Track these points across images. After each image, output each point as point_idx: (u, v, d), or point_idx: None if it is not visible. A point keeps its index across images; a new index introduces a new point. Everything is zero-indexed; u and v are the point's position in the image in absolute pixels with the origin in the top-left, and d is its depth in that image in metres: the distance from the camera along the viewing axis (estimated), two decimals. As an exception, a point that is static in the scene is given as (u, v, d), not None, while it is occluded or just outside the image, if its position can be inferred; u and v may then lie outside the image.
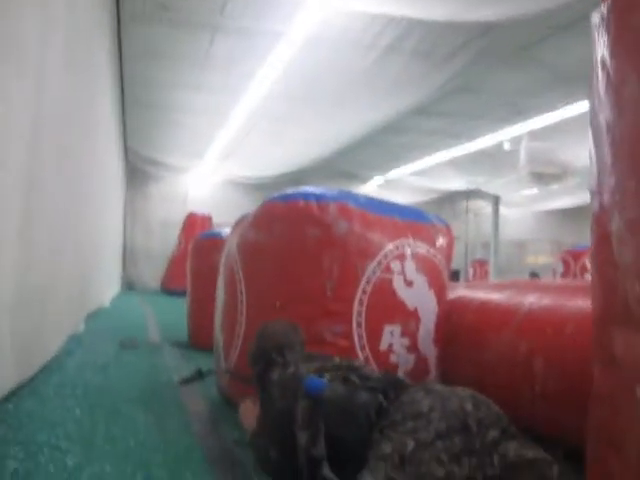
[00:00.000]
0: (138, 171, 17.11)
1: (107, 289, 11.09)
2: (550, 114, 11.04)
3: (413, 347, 3.12)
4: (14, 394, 3.32)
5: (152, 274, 17.08)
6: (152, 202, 17.88)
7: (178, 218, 16.91)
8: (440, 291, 3.32)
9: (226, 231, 5.91)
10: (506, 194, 17.71)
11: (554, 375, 2.64)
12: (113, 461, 2.39)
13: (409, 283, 3.11)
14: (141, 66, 10.13)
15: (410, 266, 3.13)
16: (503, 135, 12.47)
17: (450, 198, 19.75)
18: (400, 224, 3.21)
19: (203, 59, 9.58)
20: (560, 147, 12.34)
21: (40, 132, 3.54)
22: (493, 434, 1.94)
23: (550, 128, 11.63)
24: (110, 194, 11.34)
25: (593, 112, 1.23)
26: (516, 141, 12.41)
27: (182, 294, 7.63)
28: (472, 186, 16.83)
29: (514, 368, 2.85)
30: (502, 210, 19.53)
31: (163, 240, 17.40)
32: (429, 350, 3.22)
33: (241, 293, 3.13)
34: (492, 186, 16.30)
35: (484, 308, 3.31)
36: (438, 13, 7.32)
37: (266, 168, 17.06)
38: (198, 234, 7.36)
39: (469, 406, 1.97)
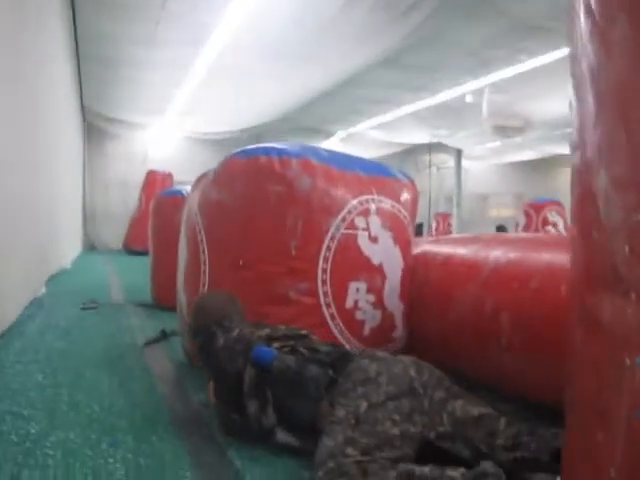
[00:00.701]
0: (96, 129, 16.68)
1: (68, 250, 10.89)
2: (513, 67, 10.97)
3: (379, 303, 3.10)
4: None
5: (113, 234, 16.81)
6: (111, 161, 17.50)
7: (138, 177, 16.60)
8: (405, 246, 3.29)
9: (187, 189, 5.81)
10: (469, 147, 17.73)
11: (520, 329, 2.64)
12: (77, 428, 2.34)
13: (374, 239, 3.08)
14: (94, 19, 9.77)
15: (375, 222, 3.10)
16: (466, 88, 12.38)
17: (413, 151, 19.71)
18: (364, 179, 3.17)
19: (159, 10, 9.27)
20: (522, 100, 12.32)
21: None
22: (439, 394, 2.07)
23: (513, 80, 11.58)
24: (67, 154, 11.07)
25: (574, 60, 1.15)
26: (478, 94, 12.35)
27: (144, 254, 7.52)
28: (435, 139, 16.79)
29: (480, 323, 2.85)
30: (465, 163, 19.57)
31: (123, 199, 17.10)
32: (395, 306, 3.21)
33: (203, 252, 3.07)
34: (455, 139, 16.29)
35: (449, 263, 3.30)
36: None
37: (227, 124, 16.79)
38: (159, 192, 7.22)
39: (412, 371, 2.08)
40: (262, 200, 2.91)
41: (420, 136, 16.91)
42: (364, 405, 1.95)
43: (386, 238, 3.14)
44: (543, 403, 2.59)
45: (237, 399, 2.27)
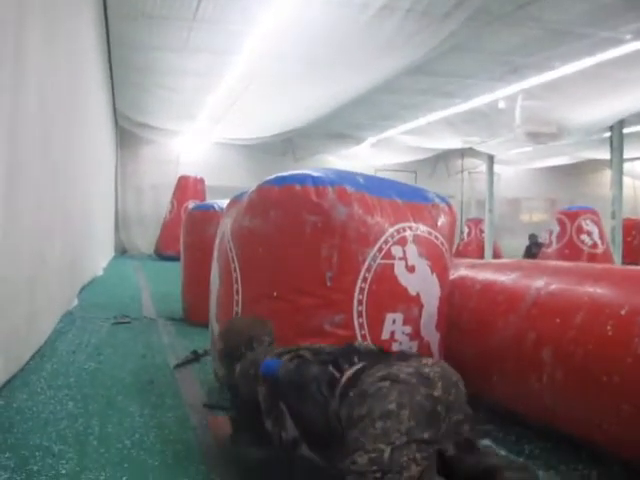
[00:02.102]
0: (129, 134, 16.80)
1: (100, 258, 10.97)
2: (547, 73, 10.80)
3: (415, 334, 3.02)
4: (5, 386, 3.23)
5: (145, 238, 16.93)
6: (143, 166, 17.62)
7: (170, 182, 16.66)
8: (442, 274, 3.20)
9: (219, 203, 5.78)
10: (501, 152, 17.52)
11: (562, 366, 2.55)
12: (108, 467, 2.30)
13: (411, 268, 3.00)
14: (128, 28, 9.81)
15: (412, 250, 3.01)
16: (498, 94, 12.22)
17: (444, 156, 19.54)
18: (401, 206, 3.08)
19: (191, 20, 9.29)
20: (556, 106, 12.12)
21: (21, 115, 3.39)
22: (457, 417, 1.97)
23: (546, 87, 11.40)
24: (100, 159, 11.15)
25: None
26: (511, 100, 12.17)
27: (176, 259, 7.51)
28: (467, 145, 16.61)
29: (521, 356, 2.77)
30: (497, 168, 19.29)
31: (155, 204, 17.20)
32: (432, 335, 3.12)
33: (236, 282, 3.01)
34: (487, 145, 16.09)
35: (489, 290, 3.22)
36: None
37: (259, 129, 16.77)
38: (190, 206, 7.20)
39: (438, 391, 1.93)
40: (297, 230, 2.84)
41: (451, 142, 16.74)
42: (387, 451, 1.81)
43: (423, 267, 3.06)
44: (581, 441, 2.51)
45: (259, 426, 2.22)
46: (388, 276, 2.91)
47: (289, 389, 2.14)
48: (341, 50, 10.24)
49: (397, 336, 2.94)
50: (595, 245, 11.67)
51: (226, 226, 3.28)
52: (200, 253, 5.28)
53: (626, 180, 14.17)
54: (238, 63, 11.14)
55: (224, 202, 5.88)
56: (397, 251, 2.95)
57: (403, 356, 2.16)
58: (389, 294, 2.92)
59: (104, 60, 10.74)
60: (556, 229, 12.14)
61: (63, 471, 2.25)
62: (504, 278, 3.19)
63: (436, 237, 3.19)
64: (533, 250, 15.22)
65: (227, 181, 17.58)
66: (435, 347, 3.16)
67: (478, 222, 19.04)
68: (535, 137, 12.65)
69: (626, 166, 13.60)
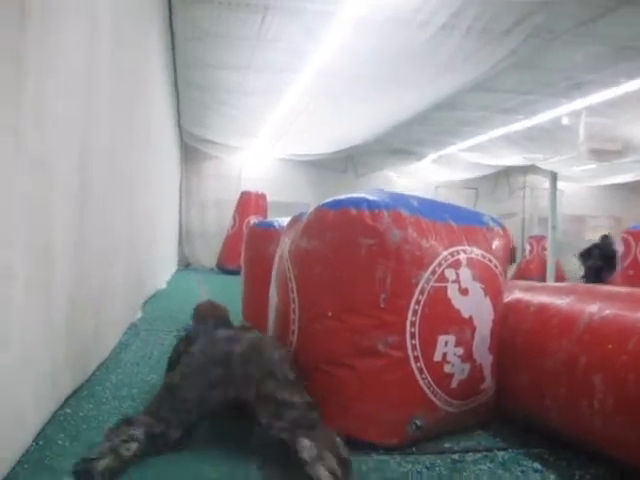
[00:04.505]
0: (192, 150, 17.25)
1: (164, 272, 11.26)
2: (610, 89, 10.65)
3: (468, 356, 3.06)
4: (72, 396, 3.40)
5: (207, 252, 17.29)
6: (207, 181, 18.04)
7: (232, 197, 17.01)
8: (496, 297, 3.24)
9: (280, 222, 5.91)
10: (564, 170, 17.26)
11: (614, 393, 2.56)
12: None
13: (464, 291, 3.05)
14: (193, 47, 10.14)
15: (465, 273, 3.06)
16: (561, 111, 12.10)
17: (506, 173, 19.36)
18: (455, 229, 3.14)
19: (255, 39, 9.53)
20: (620, 123, 11.93)
21: (91, 142, 3.57)
22: (252, 371, 2.61)
23: (610, 103, 11.24)
24: (166, 176, 11.47)
25: None
26: (575, 117, 12.04)
27: (237, 273, 7.68)
28: (528, 162, 16.44)
29: (573, 381, 2.78)
30: (560, 184, 18.98)
31: (218, 219, 17.57)
32: (484, 358, 3.16)
33: (294, 301, 3.11)
34: (549, 163, 15.90)
35: (543, 312, 3.23)
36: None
37: (319, 146, 16.98)
38: (252, 223, 7.35)
39: (239, 348, 2.69)
40: (352, 252, 2.93)
41: (513, 158, 16.60)
42: (177, 377, 2.71)
43: (476, 290, 3.10)
44: (632, 468, 2.51)
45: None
46: (441, 299, 2.97)
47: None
48: (401, 68, 10.33)
49: (449, 358, 2.99)
50: (662, 266, 11.41)
51: (285, 246, 3.39)
52: (260, 269, 5.39)
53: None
54: (300, 81, 11.36)
55: (285, 220, 6.06)
56: (450, 274, 3.00)
57: (243, 328, 3.21)
58: (442, 316, 2.97)
59: (170, 80, 11.07)
60: (621, 248, 11.90)
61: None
62: (558, 302, 3.20)
63: (490, 260, 3.24)
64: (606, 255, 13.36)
65: (288, 197, 17.84)
66: (487, 369, 3.20)
67: (541, 239, 18.80)
68: (599, 155, 12.48)
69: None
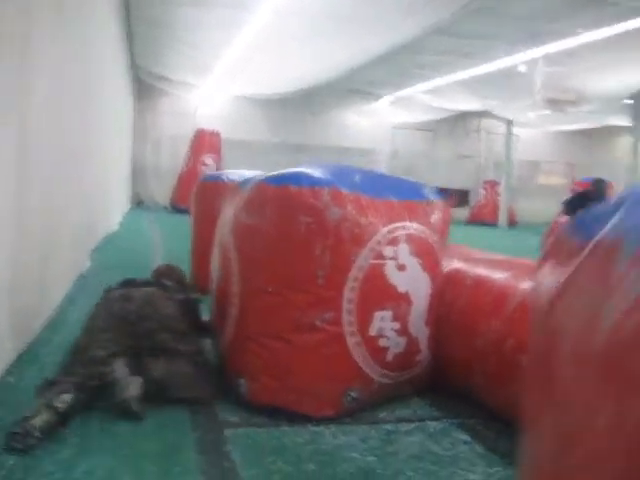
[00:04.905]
0: (147, 87, 16.86)
1: (116, 212, 11.12)
2: (568, 39, 10.65)
3: (404, 330, 3.14)
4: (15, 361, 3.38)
5: (161, 191, 17.10)
6: (162, 119, 17.70)
7: (187, 135, 16.76)
8: (434, 271, 3.31)
9: (228, 175, 5.88)
10: (519, 117, 17.37)
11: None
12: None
13: (402, 267, 3.11)
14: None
15: (403, 250, 3.11)
16: (519, 58, 12.09)
17: (463, 117, 19.37)
18: (395, 205, 3.18)
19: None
20: (576, 73, 11.98)
21: (31, 77, 3.46)
22: (149, 325, 3.03)
23: (567, 53, 11.26)
24: (118, 115, 11.22)
25: None
26: (532, 65, 12.05)
27: (190, 212, 7.58)
28: (485, 108, 16.47)
29: (501, 361, 2.88)
30: (516, 129, 19.15)
31: (172, 157, 17.32)
32: (420, 331, 3.25)
33: (234, 275, 3.13)
34: (506, 110, 15.95)
35: (478, 289, 3.30)
36: None
37: (277, 85, 16.71)
38: (200, 178, 7.22)
39: (133, 306, 3.09)
40: (291, 229, 2.95)
41: (470, 104, 16.61)
42: (81, 336, 3.06)
43: (414, 265, 3.16)
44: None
45: None
46: (378, 275, 3.03)
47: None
48: (362, 7, 10.15)
49: (385, 332, 3.07)
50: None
51: (228, 216, 3.38)
52: (209, 225, 5.35)
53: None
54: (256, 18, 11.06)
55: (233, 173, 6.00)
56: (388, 251, 3.05)
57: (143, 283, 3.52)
58: (378, 293, 3.04)
59: (123, 17, 10.74)
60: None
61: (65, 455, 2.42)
62: (497, 276, 3.27)
63: (429, 236, 3.29)
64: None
65: (245, 135, 17.65)
66: (424, 343, 3.29)
67: (495, 184, 19.00)
68: (554, 104, 12.57)
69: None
